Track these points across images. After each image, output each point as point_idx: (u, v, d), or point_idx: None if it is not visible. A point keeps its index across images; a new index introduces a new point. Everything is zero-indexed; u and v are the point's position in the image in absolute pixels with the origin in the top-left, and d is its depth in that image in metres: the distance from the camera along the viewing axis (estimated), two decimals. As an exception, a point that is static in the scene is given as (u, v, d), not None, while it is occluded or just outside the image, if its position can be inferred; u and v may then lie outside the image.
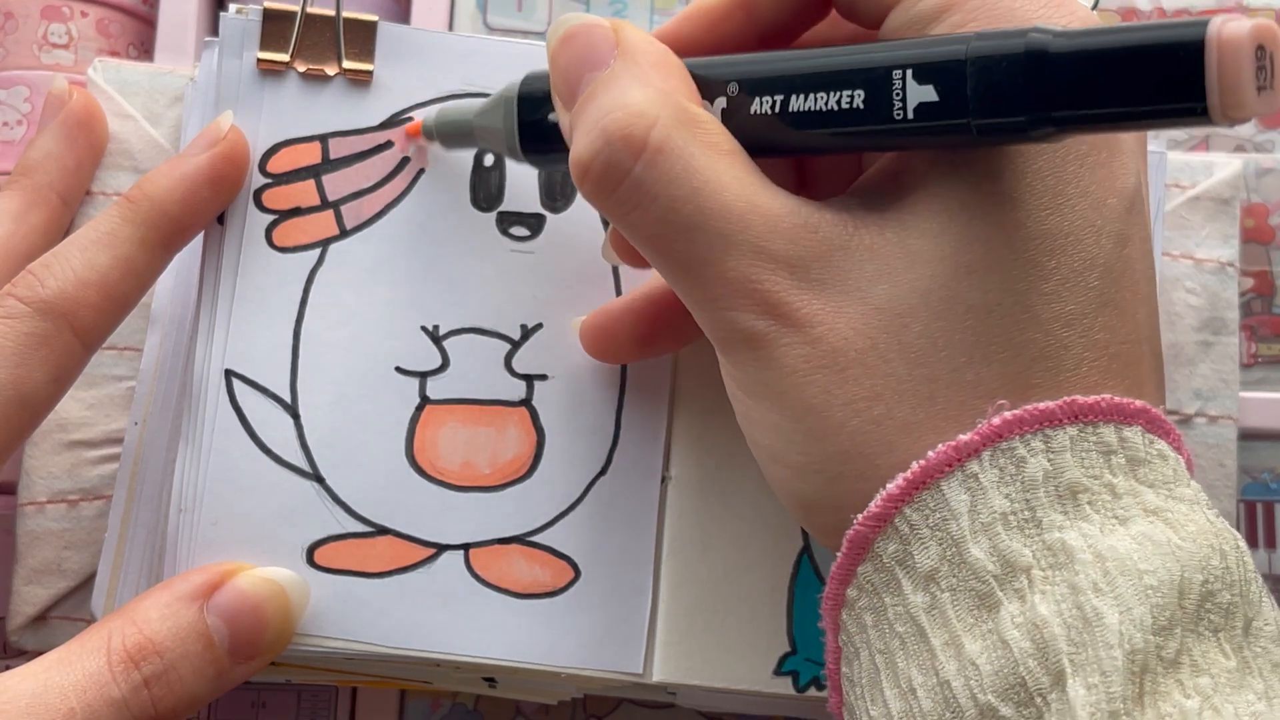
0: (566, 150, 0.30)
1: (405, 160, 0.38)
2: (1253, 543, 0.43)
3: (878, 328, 0.27)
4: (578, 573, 0.36)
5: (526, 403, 0.37)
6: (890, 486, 0.26)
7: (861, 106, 0.27)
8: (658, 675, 0.36)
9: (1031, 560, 0.25)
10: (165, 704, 0.32)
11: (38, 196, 0.38)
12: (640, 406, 0.37)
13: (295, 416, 0.36)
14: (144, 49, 0.46)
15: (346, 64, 0.38)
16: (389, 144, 0.38)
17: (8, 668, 0.33)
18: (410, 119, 0.38)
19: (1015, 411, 0.26)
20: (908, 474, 0.26)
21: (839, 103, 0.27)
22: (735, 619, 0.36)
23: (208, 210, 0.36)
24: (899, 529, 0.26)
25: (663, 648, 0.36)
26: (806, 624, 0.36)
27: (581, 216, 0.38)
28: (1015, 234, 0.27)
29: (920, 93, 0.26)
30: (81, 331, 0.34)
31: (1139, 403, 0.27)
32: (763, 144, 0.29)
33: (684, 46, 0.31)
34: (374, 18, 0.38)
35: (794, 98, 0.28)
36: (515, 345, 0.37)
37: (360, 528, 0.36)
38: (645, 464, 0.37)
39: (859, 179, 0.31)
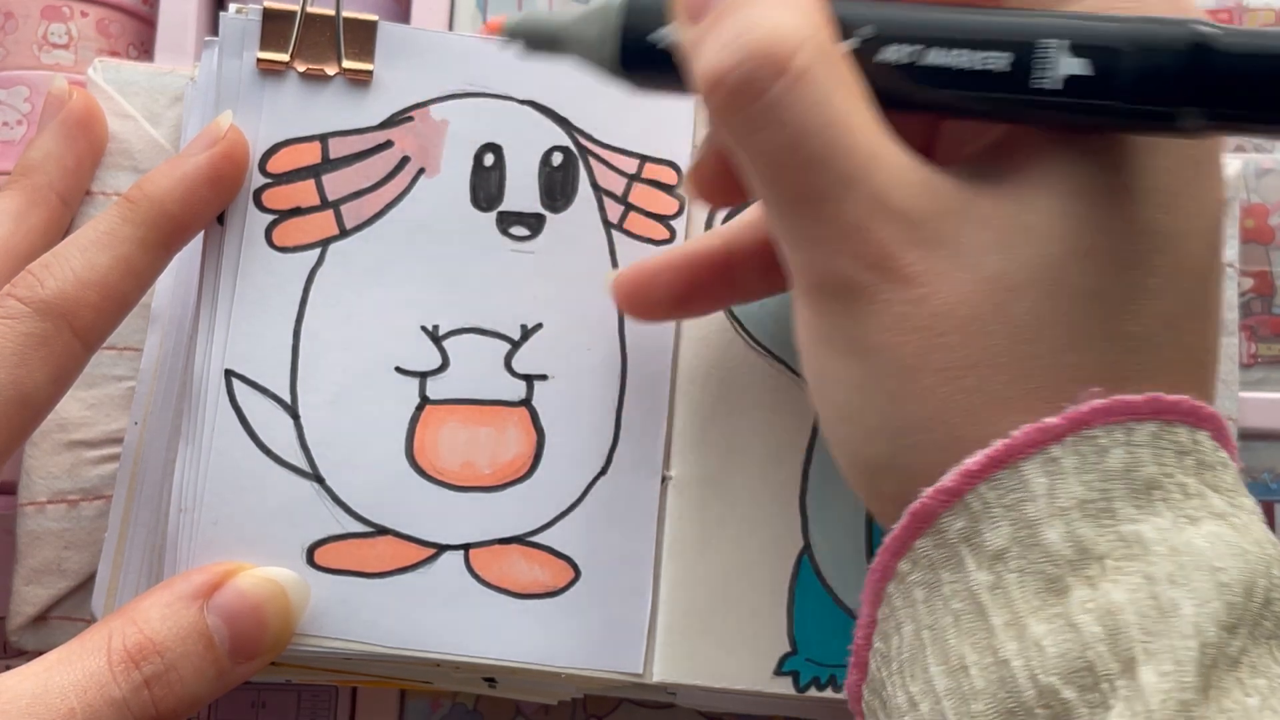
0: (673, 73, 0.29)
1: (405, 160, 0.38)
2: (1253, 543, 0.43)
3: (984, 297, 0.26)
4: (577, 573, 0.36)
5: (526, 403, 0.37)
6: (969, 462, 0.26)
7: (1007, 69, 0.26)
8: (657, 675, 0.36)
9: (1106, 549, 0.25)
10: (166, 704, 0.32)
11: (37, 197, 0.38)
12: (640, 406, 0.37)
13: (295, 416, 0.36)
14: (144, 49, 0.46)
15: (346, 64, 0.38)
16: (389, 144, 0.38)
17: (8, 668, 0.33)
18: (410, 118, 0.38)
19: (1103, 401, 0.26)
20: (990, 450, 0.26)
21: (982, 62, 0.27)
22: (735, 619, 0.36)
23: (207, 210, 0.36)
24: (970, 506, 0.26)
25: (662, 648, 0.36)
26: (807, 624, 0.36)
27: (581, 217, 0.38)
28: (1131, 226, 0.27)
29: (1073, 65, 0.26)
30: (81, 331, 0.34)
31: (1210, 409, 0.27)
32: (886, 95, 0.28)
33: None
34: (374, 18, 0.38)
35: (934, 50, 0.27)
36: (515, 345, 0.37)
37: (360, 528, 0.36)
38: (645, 464, 0.37)
39: (971, 151, 0.30)
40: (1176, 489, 0.26)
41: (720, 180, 0.32)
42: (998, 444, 0.26)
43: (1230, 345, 0.41)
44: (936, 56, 0.27)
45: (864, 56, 0.28)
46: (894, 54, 0.28)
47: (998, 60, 0.27)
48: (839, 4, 0.29)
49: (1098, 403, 0.26)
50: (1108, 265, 0.26)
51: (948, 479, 0.26)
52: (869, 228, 0.27)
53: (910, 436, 0.27)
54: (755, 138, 0.27)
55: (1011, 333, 0.26)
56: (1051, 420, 0.26)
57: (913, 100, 0.28)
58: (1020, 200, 0.27)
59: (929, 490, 0.26)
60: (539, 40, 0.32)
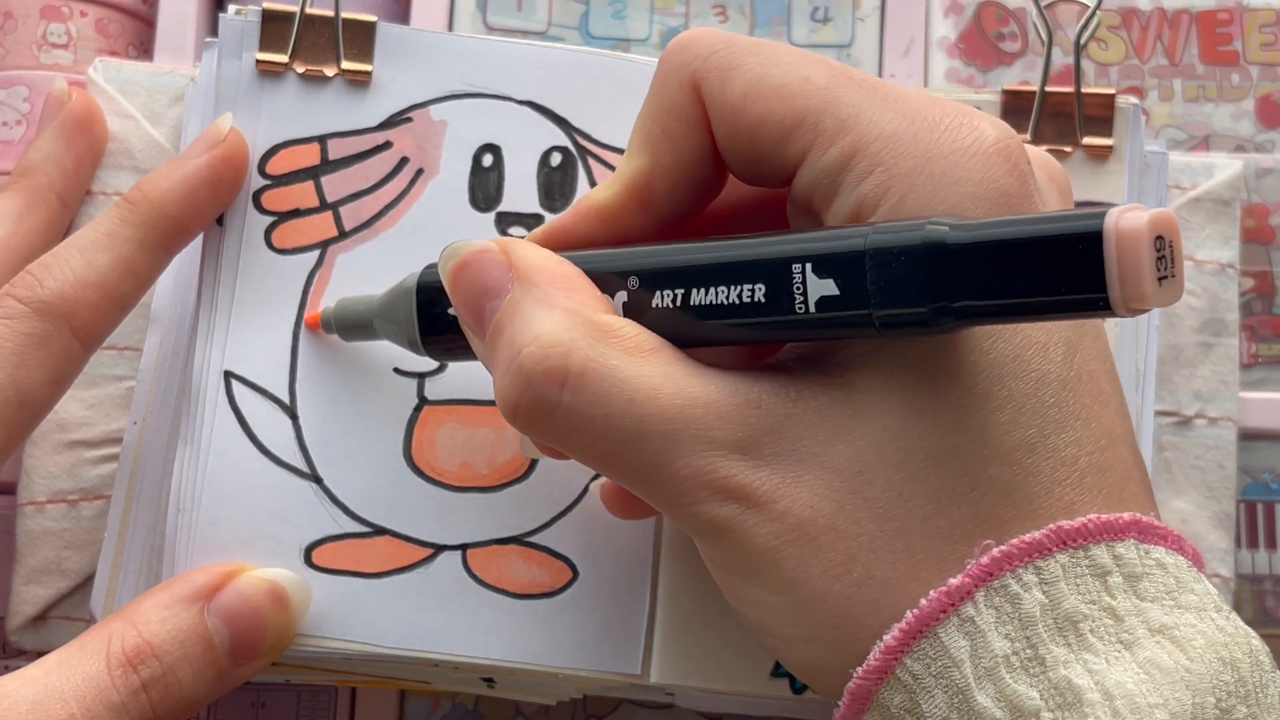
0: (468, 343, 0.30)
1: (404, 161, 0.38)
2: (1253, 543, 0.43)
3: (841, 489, 0.26)
4: (575, 573, 0.36)
5: (525, 403, 0.37)
6: (887, 638, 0.26)
7: (763, 300, 0.27)
8: (655, 676, 0.36)
9: (1040, 703, 0.24)
10: (163, 707, 0.32)
11: (37, 198, 0.38)
12: (639, 407, 0.37)
13: (294, 417, 0.36)
14: (144, 49, 0.46)
15: (345, 64, 0.38)
16: (388, 144, 0.38)
17: (8, 668, 0.33)
18: (409, 119, 0.38)
19: (1002, 547, 0.25)
20: (902, 624, 0.26)
21: (740, 296, 0.27)
22: (732, 620, 0.36)
23: (207, 212, 0.36)
24: (902, 680, 0.26)
25: (660, 649, 0.36)
26: (804, 625, 0.36)
27: (580, 217, 0.38)
28: (960, 369, 0.26)
29: (821, 286, 0.26)
30: (80, 332, 0.34)
31: (1127, 515, 0.26)
32: (669, 335, 0.28)
33: (581, 241, 0.31)
34: (373, 18, 0.38)
35: (695, 291, 0.28)
36: (514, 346, 0.37)
37: (358, 528, 0.36)
38: (643, 465, 0.37)
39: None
40: (1105, 614, 0.25)
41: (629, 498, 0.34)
42: (910, 616, 0.26)
43: (1231, 345, 0.41)
44: (699, 296, 0.28)
45: (640, 307, 0.29)
46: (664, 299, 0.28)
47: (754, 292, 0.27)
48: (603, 259, 0.29)
49: (997, 550, 0.25)
50: (948, 417, 0.26)
51: (873, 658, 0.26)
52: (710, 470, 0.27)
53: (825, 637, 0.27)
54: (570, 443, 0.28)
55: (878, 514, 0.26)
56: (955, 580, 0.25)
57: (700, 337, 0.28)
58: (848, 383, 0.27)
59: (859, 671, 0.26)
60: (350, 329, 0.35)
